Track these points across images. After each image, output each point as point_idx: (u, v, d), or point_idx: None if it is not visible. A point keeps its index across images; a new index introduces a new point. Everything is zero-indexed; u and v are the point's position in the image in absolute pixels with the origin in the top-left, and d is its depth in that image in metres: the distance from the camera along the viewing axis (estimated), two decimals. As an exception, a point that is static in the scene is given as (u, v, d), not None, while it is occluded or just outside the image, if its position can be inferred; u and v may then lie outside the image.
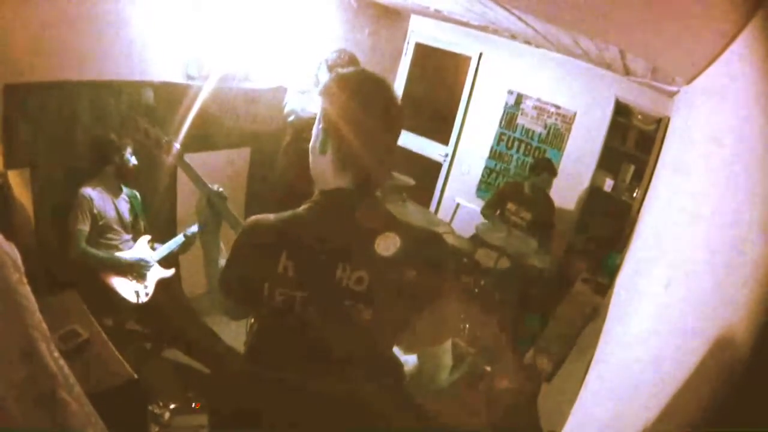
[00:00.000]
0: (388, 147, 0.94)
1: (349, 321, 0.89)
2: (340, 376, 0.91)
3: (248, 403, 0.99)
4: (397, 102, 0.92)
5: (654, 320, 1.06)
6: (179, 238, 2.31)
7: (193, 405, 2.06)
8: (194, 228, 2.30)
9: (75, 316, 1.78)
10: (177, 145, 1.42)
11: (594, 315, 2.55)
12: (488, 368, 2.44)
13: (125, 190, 2.31)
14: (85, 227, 2.09)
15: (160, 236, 2.40)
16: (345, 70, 0.93)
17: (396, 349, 1.05)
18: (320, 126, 0.93)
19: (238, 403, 1.02)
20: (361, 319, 0.89)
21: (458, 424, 2.10)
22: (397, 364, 1.04)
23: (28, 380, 0.61)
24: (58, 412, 0.64)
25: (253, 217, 0.94)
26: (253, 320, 1.00)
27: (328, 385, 0.91)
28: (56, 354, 0.67)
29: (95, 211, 2.13)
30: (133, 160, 2.22)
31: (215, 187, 1.20)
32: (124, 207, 2.29)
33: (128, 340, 2.13)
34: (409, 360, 1.01)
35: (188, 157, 1.37)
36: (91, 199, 2.12)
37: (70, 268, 2.07)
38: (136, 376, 1.62)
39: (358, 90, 0.90)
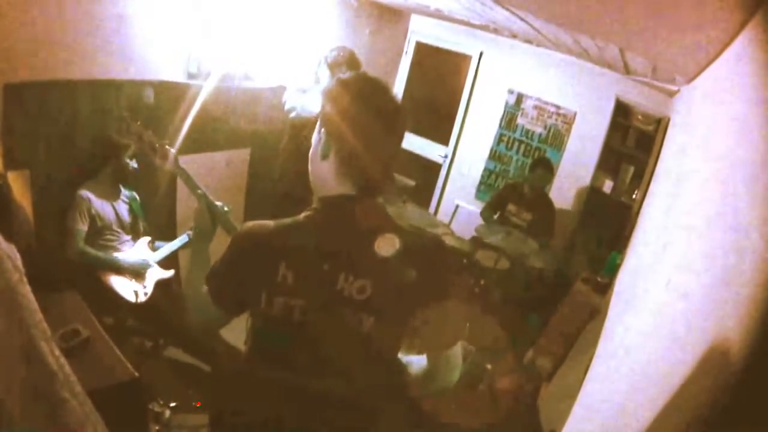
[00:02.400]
0: (392, 151, 0.92)
1: (350, 330, 0.88)
2: (341, 383, 0.90)
3: (249, 402, 0.99)
4: (400, 106, 0.91)
5: (654, 320, 1.06)
6: (183, 238, 2.30)
7: (194, 404, 2.06)
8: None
9: (75, 315, 1.79)
10: (173, 150, 1.42)
11: (594, 315, 2.55)
12: (488, 367, 2.45)
13: (124, 191, 2.31)
14: (83, 228, 2.09)
15: (159, 237, 2.40)
16: (346, 75, 0.92)
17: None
18: (321, 131, 0.91)
19: (238, 402, 1.02)
20: (363, 328, 0.88)
21: (458, 424, 2.10)
22: (401, 371, 1.03)
23: (28, 379, 0.61)
24: (58, 410, 0.64)
25: (250, 223, 0.91)
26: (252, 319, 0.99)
27: (329, 390, 0.90)
28: (57, 353, 0.67)
29: (93, 212, 2.13)
30: (134, 164, 2.21)
31: (219, 204, 1.20)
32: (123, 208, 2.29)
33: (129, 339, 2.13)
34: (414, 360, 1.01)
35: (188, 158, 1.38)
36: (90, 200, 2.12)
37: (69, 267, 2.07)
38: (136, 374, 1.63)
39: (361, 94, 0.88)
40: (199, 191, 1.22)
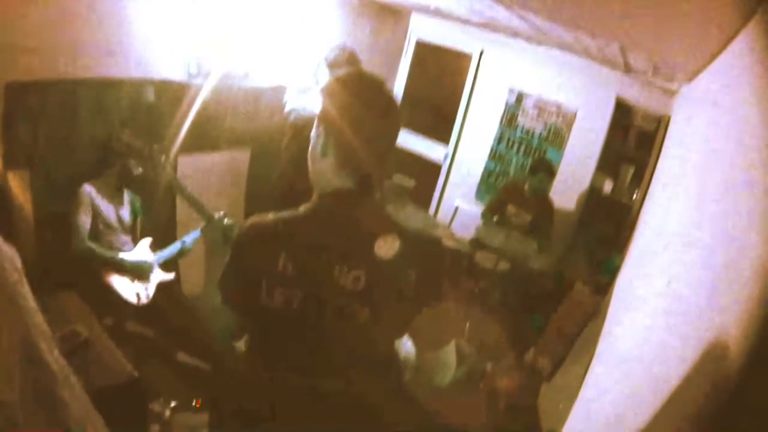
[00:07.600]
0: (388, 145, 0.94)
1: (346, 321, 0.89)
2: (339, 375, 0.91)
3: (249, 401, 0.99)
4: (395, 101, 0.94)
5: (654, 320, 1.06)
6: (176, 246, 2.30)
7: (194, 403, 2.06)
8: (192, 235, 2.31)
9: (75, 316, 1.79)
10: (162, 157, 1.42)
11: (594, 315, 2.55)
12: (488, 367, 2.45)
13: (126, 192, 2.31)
14: (87, 221, 2.09)
15: (160, 239, 2.40)
16: (341, 72, 0.95)
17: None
18: (319, 129, 0.93)
19: (238, 402, 1.02)
20: (359, 319, 0.89)
21: (458, 424, 2.10)
22: (397, 364, 1.04)
23: (28, 380, 0.61)
24: (58, 411, 0.65)
25: (252, 218, 0.94)
26: None
27: (327, 383, 0.91)
28: (57, 353, 0.67)
29: (95, 207, 2.13)
30: (138, 169, 2.20)
31: (221, 215, 1.21)
32: (125, 210, 2.28)
33: (129, 340, 2.13)
34: (409, 351, 1.01)
35: (189, 157, 1.38)
36: (92, 196, 2.12)
37: (70, 268, 2.07)
38: (136, 374, 1.63)
39: (357, 90, 0.90)
40: (206, 214, 1.24)
